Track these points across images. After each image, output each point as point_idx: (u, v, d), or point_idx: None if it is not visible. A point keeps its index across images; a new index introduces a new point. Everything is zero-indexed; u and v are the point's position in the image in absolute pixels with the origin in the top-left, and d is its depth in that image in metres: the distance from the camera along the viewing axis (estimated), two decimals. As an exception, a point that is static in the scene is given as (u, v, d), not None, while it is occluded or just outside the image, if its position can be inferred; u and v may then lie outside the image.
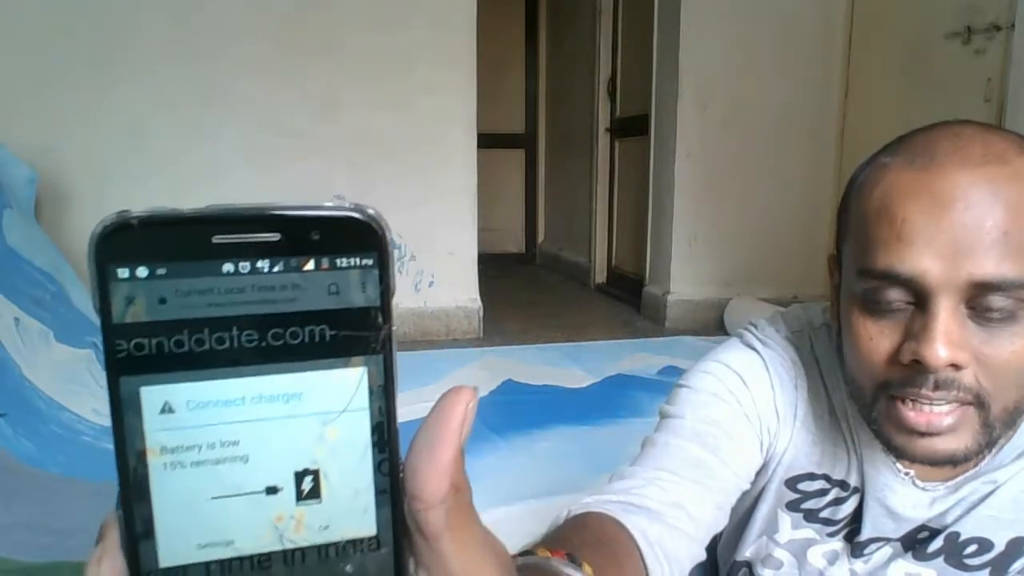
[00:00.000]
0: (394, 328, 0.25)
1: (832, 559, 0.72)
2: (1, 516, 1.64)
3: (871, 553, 0.70)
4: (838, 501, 0.72)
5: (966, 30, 2.87)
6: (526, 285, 4.98)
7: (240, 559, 0.24)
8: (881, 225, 0.57)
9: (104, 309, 0.22)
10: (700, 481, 0.65)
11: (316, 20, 3.17)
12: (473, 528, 0.26)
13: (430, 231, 3.36)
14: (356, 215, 0.24)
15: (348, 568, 0.25)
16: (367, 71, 3.22)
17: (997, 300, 0.55)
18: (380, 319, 0.24)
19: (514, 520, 1.50)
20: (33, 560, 1.49)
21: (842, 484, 0.72)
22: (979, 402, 0.57)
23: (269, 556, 0.24)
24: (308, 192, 3.07)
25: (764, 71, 3.61)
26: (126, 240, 0.22)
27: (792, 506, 0.73)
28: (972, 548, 0.66)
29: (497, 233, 5.52)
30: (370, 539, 0.25)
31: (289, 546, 0.24)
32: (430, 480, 0.24)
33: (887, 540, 0.70)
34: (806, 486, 0.73)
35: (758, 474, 0.74)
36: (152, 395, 0.23)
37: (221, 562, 0.24)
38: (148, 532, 0.23)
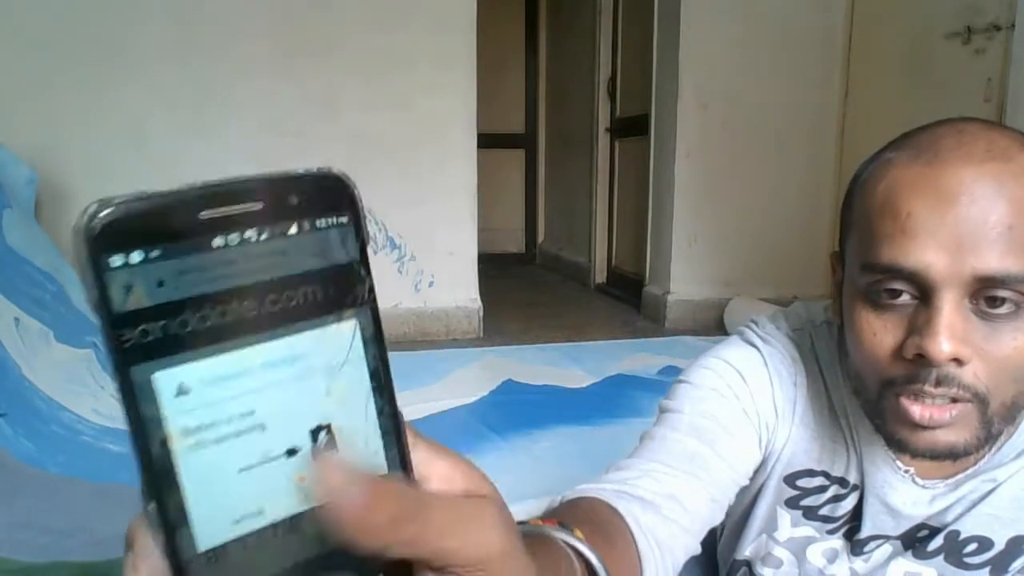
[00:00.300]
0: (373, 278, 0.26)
1: (832, 557, 0.72)
2: (1, 516, 1.64)
3: (871, 551, 0.70)
4: (837, 498, 0.72)
5: (966, 30, 2.87)
6: (526, 285, 4.98)
7: (273, 526, 0.24)
8: (885, 220, 0.58)
9: (102, 301, 0.21)
10: (695, 474, 0.65)
11: (316, 20, 3.17)
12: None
13: (430, 231, 3.36)
14: (328, 173, 0.25)
15: None
16: (367, 71, 3.23)
17: (1001, 295, 0.55)
18: (363, 271, 0.26)
19: (514, 520, 1.50)
20: (33, 560, 1.49)
21: (841, 481, 0.72)
22: (978, 399, 0.57)
23: (299, 517, 0.25)
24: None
25: (764, 71, 3.61)
26: (113, 227, 0.22)
27: (791, 503, 0.74)
28: (972, 547, 0.66)
29: (497, 233, 5.52)
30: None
31: (315, 503, 0.25)
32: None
33: (887, 538, 0.70)
34: (805, 482, 0.73)
35: (757, 471, 0.74)
36: (165, 379, 0.22)
37: (256, 533, 0.24)
38: (182, 519, 0.23)
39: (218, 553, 0.23)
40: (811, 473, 0.73)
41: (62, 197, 2.94)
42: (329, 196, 0.25)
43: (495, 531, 0.26)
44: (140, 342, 0.22)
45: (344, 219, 0.25)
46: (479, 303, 3.49)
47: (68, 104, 2.97)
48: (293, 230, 0.24)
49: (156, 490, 0.22)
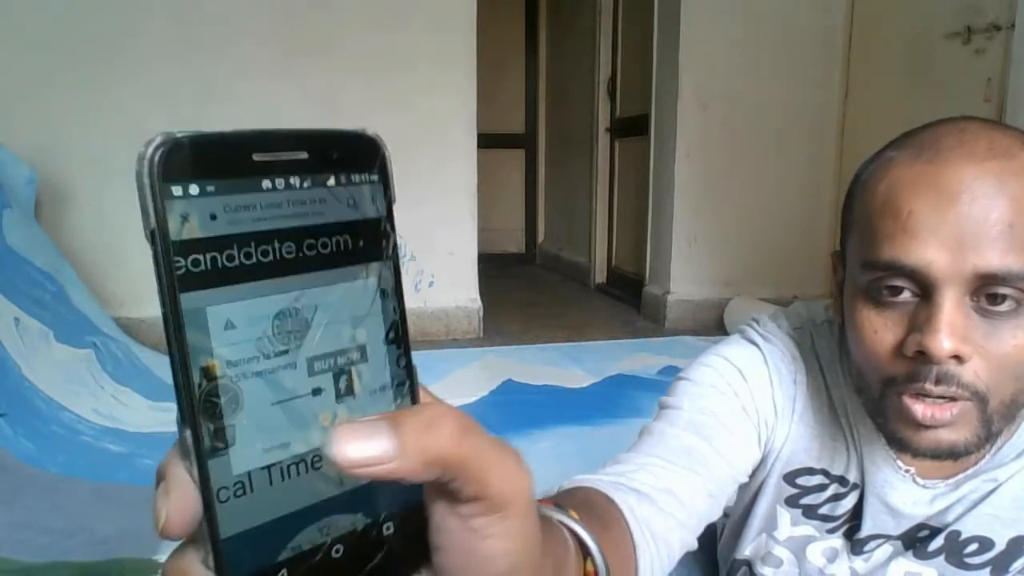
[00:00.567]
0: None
1: (832, 557, 0.72)
2: (1, 516, 1.64)
3: (871, 551, 0.70)
4: (837, 497, 0.72)
5: (966, 30, 2.87)
6: (526, 285, 4.98)
7: (296, 463, 0.25)
8: (887, 218, 0.58)
9: (161, 227, 0.22)
10: (693, 469, 0.65)
11: (316, 20, 3.17)
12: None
13: (430, 231, 3.36)
14: (364, 134, 0.27)
15: None
16: (367, 71, 3.23)
17: (1001, 292, 0.55)
18: (388, 227, 0.27)
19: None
20: (33, 560, 1.49)
21: (841, 480, 0.72)
22: (978, 397, 0.57)
23: (320, 457, 0.26)
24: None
25: (764, 71, 3.62)
26: (176, 159, 0.23)
27: (791, 502, 0.74)
28: (973, 547, 0.66)
29: (497, 233, 5.52)
30: None
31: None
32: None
33: (887, 538, 0.70)
34: (805, 481, 0.73)
35: (757, 469, 0.74)
36: (213, 310, 0.23)
37: (280, 465, 0.25)
38: (215, 448, 0.24)
39: (245, 483, 0.24)
40: (811, 471, 0.73)
41: (62, 197, 2.94)
42: (364, 155, 0.27)
43: (526, 475, 0.27)
44: (191, 271, 0.23)
45: (375, 177, 0.27)
46: (479, 303, 3.49)
47: (68, 104, 2.97)
48: (331, 182, 0.26)
49: (192, 418, 0.23)
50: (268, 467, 0.25)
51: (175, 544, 0.25)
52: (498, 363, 2.91)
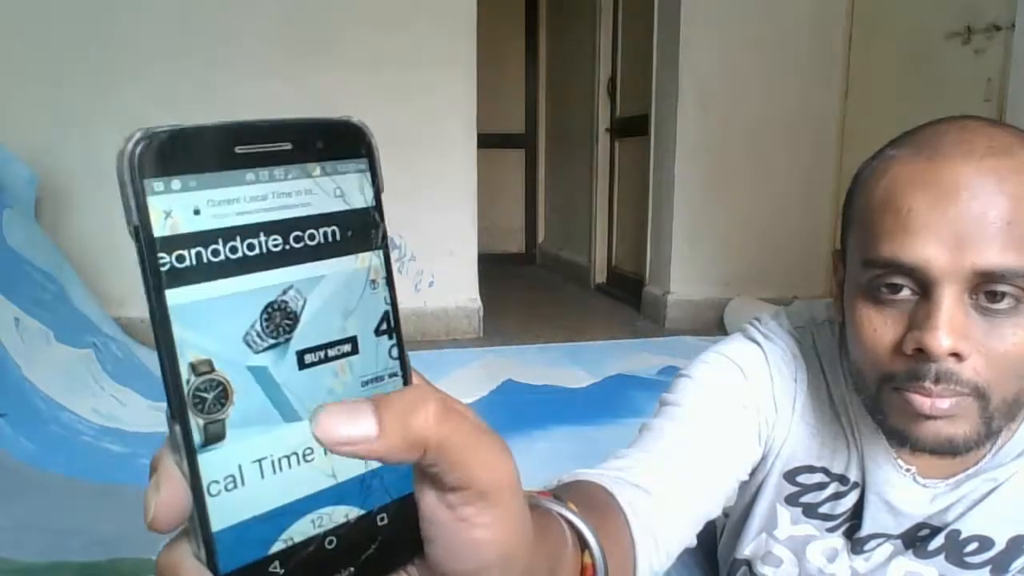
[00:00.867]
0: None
1: (832, 556, 0.72)
2: (1, 516, 1.64)
3: (871, 550, 0.70)
4: (838, 495, 0.72)
5: (966, 30, 2.87)
6: (526, 285, 4.98)
7: (287, 454, 0.25)
8: (886, 215, 0.58)
9: (143, 223, 0.22)
10: (692, 466, 0.65)
11: (316, 20, 3.17)
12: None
13: (430, 231, 3.36)
14: (350, 122, 0.27)
15: None
16: (367, 71, 3.22)
17: (1001, 290, 0.55)
18: (377, 217, 0.27)
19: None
20: (33, 560, 1.49)
21: (842, 479, 0.72)
22: (978, 394, 0.57)
23: (311, 447, 0.26)
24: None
25: (764, 71, 3.62)
26: (157, 154, 0.23)
27: (791, 500, 0.74)
28: (973, 546, 0.66)
29: (497, 233, 5.52)
30: None
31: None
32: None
33: (887, 537, 0.70)
34: (805, 479, 0.73)
35: (757, 468, 0.74)
36: (203, 306, 0.23)
37: (271, 458, 0.25)
38: (207, 442, 0.24)
39: (236, 477, 0.24)
40: (811, 469, 0.73)
41: (62, 197, 2.94)
42: (350, 143, 0.27)
43: (508, 462, 0.27)
44: (176, 266, 0.23)
45: (362, 166, 0.27)
46: (479, 303, 3.49)
47: (68, 104, 2.97)
48: (317, 172, 0.26)
49: (181, 413, 0.23)
50: (259, 461, 0.25)
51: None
52: (498, 363, 2.91)
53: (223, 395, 0.24)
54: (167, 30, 3.05)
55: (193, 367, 0.23)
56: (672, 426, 0.68)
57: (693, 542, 0.64)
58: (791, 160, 3.71)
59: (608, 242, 4.70)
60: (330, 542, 0.26)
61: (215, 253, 0.23)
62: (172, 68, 3.05)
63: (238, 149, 0.24)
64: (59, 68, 2.95)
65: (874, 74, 3.47)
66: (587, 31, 4.72)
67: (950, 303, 0.56)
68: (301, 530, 0.26)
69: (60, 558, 1.50)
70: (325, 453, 0.26)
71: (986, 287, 0.56)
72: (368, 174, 0.27)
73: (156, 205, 0.23)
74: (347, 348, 0.26)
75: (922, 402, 0.58)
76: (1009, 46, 2.67)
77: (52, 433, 2.04)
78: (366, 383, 0.27)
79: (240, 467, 0.24)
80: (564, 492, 0.52)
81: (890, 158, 0.60)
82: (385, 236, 0.27)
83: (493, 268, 4.36)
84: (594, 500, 0.56)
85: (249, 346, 0.24)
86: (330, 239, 0.26)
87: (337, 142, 0.26)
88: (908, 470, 0.68)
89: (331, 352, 0.26)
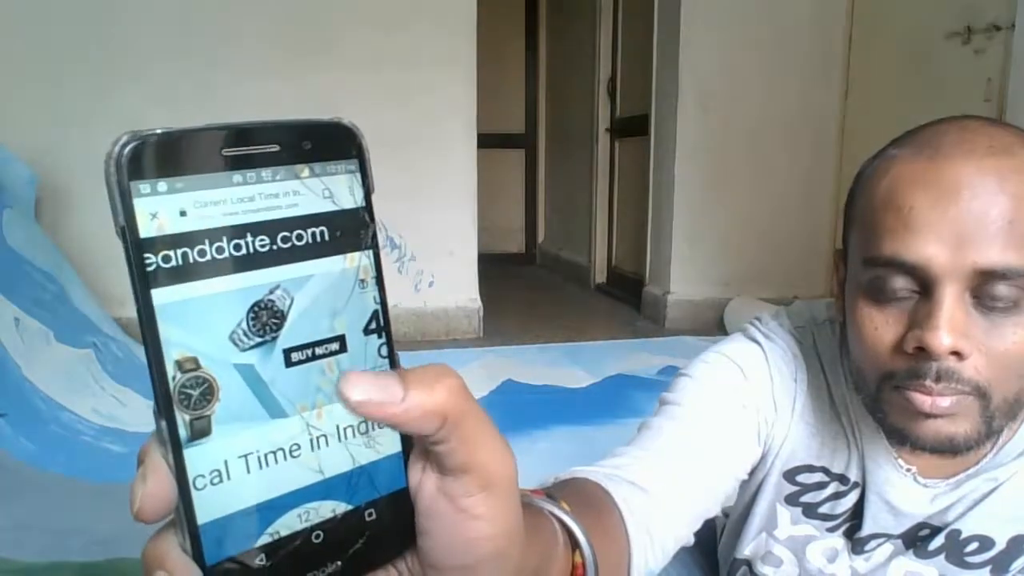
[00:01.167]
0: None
1: (832, 556, 0.72)
2: (1, 516, 1.64)
3: (871, 550, 0.70)
4: (838, 495, 0.72)
5: (966, 30, 2.87)
6: (526, 285, 4.98)
7: (274, 449, 0.26)
8: (888, 214, 0.58)
9: (129, 225, 0.23)
10: (690, 464, 0.65)
11: (316, 19, 3.17)
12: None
13: (430, 231, 3.36)
14: (339, 123, 0.27)
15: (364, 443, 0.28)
16: (367, 71, 3.22)
17: (1001, 289, 0.55)
18: (367, 217, 0.27)
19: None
20: (33, 560, 1.49)
21: (842, 478, 0.72)
22: (979, 393, 0.57)
23: (297, 443, 0.26)
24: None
25: (764, 71, 3.61)
26: (144, 157, 0.23)
27: (791, 500, 0.74)
28: (973, 546, 0.66)
29: (497, 233, 5.52)
30: None
31: (315, 434, 0.26)
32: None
33: (887, 536, 0.70)
34: (805, 478, 0.73)
35: (756, 467, 0.74)
36: (189, 305, 0.24)
37: (257, 453, 0.25)
38: (193, 437, 0.24)
39: (222, 471, 0.25)
40: (811, 468, 0.73)
41: (62, 197, 2.94)
42: (339, 144, 0.27)
43: (511, 458, 0.28)
44: (162, 267, 0.23)
45: (352, 166, 0.27)
46: (479, 303, 3.49)
47: (68, 104, 2.97)
48: (305, 173, 0.26)
49: (167, 409, 0.24)
50: (245, 456, 0.25)
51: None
52: (498, 363, 2.91)
53: (209, 392, 0.24)
54: (167, 30, 3.05)
55: (179, 364, 0.24)
56: (671, 425, 0.68)
57: (691, 541, 0.64)
58: (791, 160, 3.71)
59: (608, 242, 4.70)
60: (317, 536, 0.26)
61: (201, 253, 0.24)
62: (172, 68, 3.05)
63: (225, 151, 0.24)
64: (59, 68, 2.95)
65: (874, 74, 3.47)
66: (587, 31, 4.72)
67: (951, 302, 0.56)
68: (288, 524, 0.26)
69: (60, 558, 1.49)
70: (312, 449, 0.26)
71: (987, 286, 0.56)
72: (358, 175, 0.27)
73: (142, 207, 0.23)
74: (335, 346, 0.27)
75: (923, 401, 0.58)
76: (1009, 46, 2.67)
77: (52, 433, 2.04)
78: None
79: (226, 462, 0.25)
80: (559, 490, 0.52)
81: (891, 157, 0.61)
82: (375, 236, 0.28)
83: (493, 268, 4.36)
84: (589, 497, 0.56)
85: (235, 344, 0.25)
86: (318, 239, 0.26)
87: (326, 143, 0.27)
88: (908, 470, 0.68)
89: (319, 350, 0.26)
